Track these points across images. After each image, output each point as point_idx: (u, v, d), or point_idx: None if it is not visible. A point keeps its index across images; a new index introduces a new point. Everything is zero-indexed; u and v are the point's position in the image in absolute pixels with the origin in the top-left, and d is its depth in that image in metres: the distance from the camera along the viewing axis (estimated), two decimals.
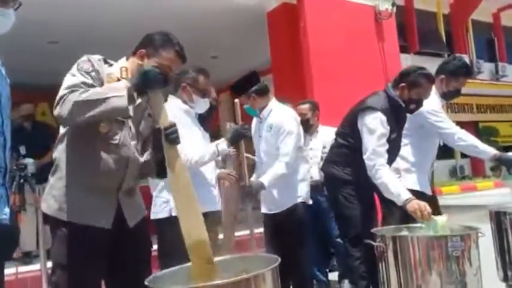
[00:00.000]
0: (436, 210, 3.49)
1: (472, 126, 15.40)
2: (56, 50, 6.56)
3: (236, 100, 2.92)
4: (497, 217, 2.70)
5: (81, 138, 1.81)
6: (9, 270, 3.83)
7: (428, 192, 3.00)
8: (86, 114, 1.63)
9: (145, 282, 1.46)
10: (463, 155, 14.16)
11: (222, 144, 2.58)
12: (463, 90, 3.26)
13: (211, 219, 2.52)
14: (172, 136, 1.70)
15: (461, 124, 3.16)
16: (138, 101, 1.89)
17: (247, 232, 2.82)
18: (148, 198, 2.60)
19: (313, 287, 3.43)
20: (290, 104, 3.52)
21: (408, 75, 2.76)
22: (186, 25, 5.66)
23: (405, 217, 2.57)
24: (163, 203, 2.53)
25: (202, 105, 2.67)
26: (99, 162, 1.80)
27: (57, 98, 1.68)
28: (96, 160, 1.80)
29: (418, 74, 2.74)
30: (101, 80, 1.79)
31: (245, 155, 2.86)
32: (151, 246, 2.05)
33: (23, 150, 4.71)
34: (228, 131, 2.69)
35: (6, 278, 2.71)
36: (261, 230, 3.31)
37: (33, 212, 4.15)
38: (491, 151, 2.93)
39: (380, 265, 2.40)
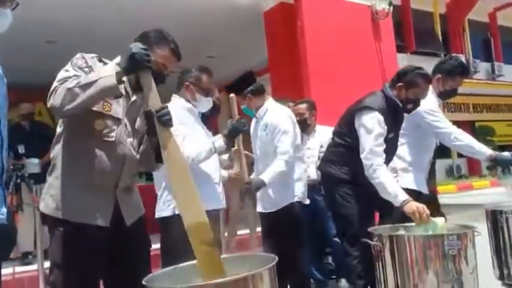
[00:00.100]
0: (437, 210, 3.52)
1: (468, 126, 15.46)
2: (53, 49, 6.54)
3: (231, 95, 2.86)
4: (493, 216, 2.72)
5: (76, 137, 1.82)
6: (6, 270, 3.83)
7: (425, 191, 3.01)
8: (77, 99, 1.63)
9: (143, 282, 1.46)
10: (460, 155, 14.22)
11: (219, 140, 2.56)
12: (460, 90, 3.27)
13: (214, 217, 2.53)
14: (164, 118, 1.69)
15: (457, 123, 3.17)
16: (133, 98, 1.90)
17: (247, 231, 2.81)
18: (153, 197, 2.61)
19: (310, 285, 3.44)
20: (291, 102, 3.51)
21: (405, 75, 2.76)
22: (183, 24, 5.67)
23: (402, 217, 2.58)
24: (167, 202, 2.54)
25: (206, 104, 2.68)
26: (94, 160, 1.80)
27: (50, 90, 1.69)
28: (91, 158, 1.80)
29: (415, 73, 2.75)
30: None
31: (244, 152, 2.85)
32: (150, 245, 2.05)
33: (21, 149, 4.70)
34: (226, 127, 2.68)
35: (3, 278, 2.71)
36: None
37: (30, 212, 4.15)
38: (487, 151, 2.94)
39: (377, 264, 2.41)
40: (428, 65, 3.38)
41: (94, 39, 5.95)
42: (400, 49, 11.08)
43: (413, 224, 2.52)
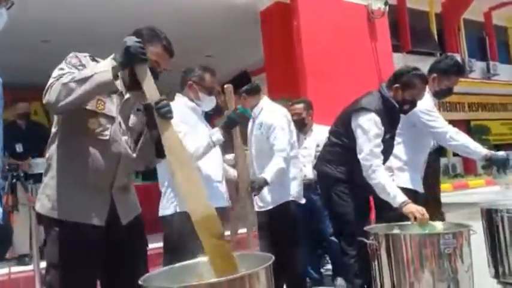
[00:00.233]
0: (438, 211, 3.53)
1: (463, 125, 15.51)
2: (48, 49, 6.52)
3: (226, 85, 2.78)
4: (489, 214, 2.72)
5: (71, 136, 1.81)
6: (2, 271, 3.82)
7: (421, 190, 3.02)
8: (72, 94, 1.62)
9: (139, 282, 1.46)
10: (455, 154, 14.27)
11: (217, 133, 2.53)
12: (455, 89, 3.28)
13: (219, 215, 2.52)
14: (163, 110, 1.68)
15: (453, 122, 3.18)
16: (126, 96, 1.89)
17: (244, 230, 2.80)
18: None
19: (306, 285, 3.44)
20: (288, 101, 3.49)
21: (402, 76, 2.76)
22: (179, 23, 5.66)
23: (398, 216, 2.59)
24: (170, 199, 2.54)
25: (209, 103, 2.67)
26: (89, 159, 1.79)
27: (46, 86, 1.68)
28: (86, 157, 1.80)
29: (412, 74, 2.75)
30: None
31: (244, 148, 2.79)
32: (147, 245, 2.04)
33: (19, 148, 4.67)
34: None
35: None
36: None
37: (26, 212, 4.13)
38: (482, 151, 2.94)
39: (373, 263, 2.42)
40: (424, 64, 3.39)
41: (89, 38, 5.93)
42: (396, 48, 11.11)
43: (409, 222, 2.53)
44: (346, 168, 2.84)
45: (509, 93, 17.74)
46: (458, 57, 4.08)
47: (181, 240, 2.28)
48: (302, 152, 3.86)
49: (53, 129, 1.87)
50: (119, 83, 1.74)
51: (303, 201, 3.24)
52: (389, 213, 2.67)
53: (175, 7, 5.88)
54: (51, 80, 1.69)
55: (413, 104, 2.80)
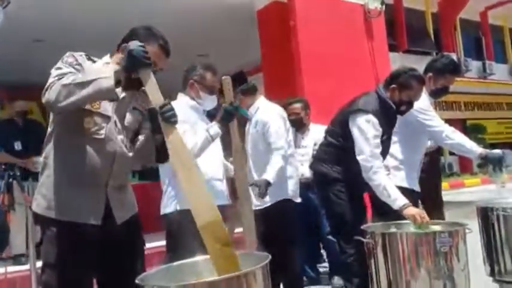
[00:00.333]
0: (439, 210, 3.54)
1: (459, 124, 15.54)
2: (42, 48, 6.50)
3: (224, 77, 2.63)
4: (484, 213, 2.73)
5: (66, 135, 1.81)
6: None
7: (417, 189, 3.03)
8: (73, 96, 1.62)
9: (136, 281, 1.46)
10: (451, 152, 14.30)
11: (214, 126, 2.49)
12: (451, 88, 3.29)
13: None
14: (167, 114, 1.67)
15: (449, 122, 3.20)
16: (122, 95, 1.89)
17: (241, 229, 2.79)
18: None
19: (303, 284, 3.45)
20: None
21: (399, 77, 2.76)
22: (176, 22, 5.65)
23: (394, 214, 2.59)
24: (170, 198, 2.55)
25: (210, 102, 2.67)
26: (84, 158, 1.79)
27: (46, 85, 1.68)
28: (81, 156, 1.79)
29: (409, 75, 2.75)
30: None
31: (241, 144, 2.73)
32: (144, 244, 2.04)
33: (18, 145, 4.65)
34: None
35: None
36: None
37: (22, 212, 4.12)
38: (478, 150, 2.95)
39: (370, 261, 2.43)
40: (420, 63, 3.41)
41: (84, 37, 5.91)
42: (393, 48, 11.14)
43: (405, 221, 2.54)
44: (342, 167, 2.84)
45: (505, 93, 17.81)
46: (454, 57, 4.09)
47: (183, 238, 2.29)
48: (300, 151, 3.87)
49: (49, 129, 1.87)
50: (119, 91, 1.73)
51: (299, 199, 3.24)
52: (386, 210, 2.68)
53: (171, 6, 5.87)
54: (51, 80, 1.69)
55: (410, 105, 2.80)
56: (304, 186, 3.50)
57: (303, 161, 3.75)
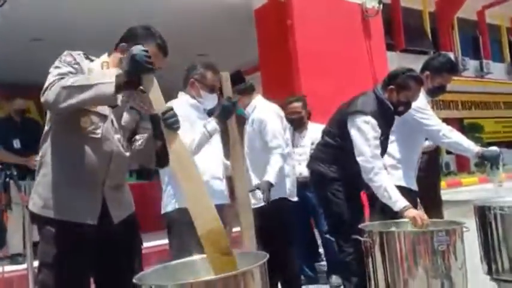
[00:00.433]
0: (438, 209, 3.54)
1: (457, 123, 15.59)
2: (40, 47, 6.48)
3: (221, 73, 2.60)
4: (482, 212, 2.74)
5: (63, 134, 1.80)
6: None
7: (415, 187, 3.03)
8: (72, 99, 1.61)
9: (134, 280, 1.46)
10: (449, 151, 14.35)
11: (211, 122, 2.45)
12: (448, 87, 3.29)
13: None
14: (170, 120, 1.65)
15: (446, 121, 3.20)
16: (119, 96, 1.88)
17: (238, 228, 2.79)
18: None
19: (301, 283, 3.45)
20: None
21: (396, 77, 2.75)
22: (174, 22, 5.64)
23: (391, 213, 2.60)
24: (169, 196, 2.54)
25: (211, 101, 2.65)
26: (80, 157, 1.78)
27: (46, 84, 1.66)
28: (78, 155, 1.79)
29: (407, 76, 2.74)
30: (83, 73, 1.79)
31: (240, 141, 2.69)
32: (142, 243, 2.04)
33: (17, 143, 4.63)
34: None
35: None
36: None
37: (19, 211, 4.11)
38: (475, 148, 2.95)
39: (367, 260, 2.43)
40: (417, 63, 3.41)
41: (83, 37, 5.90)
42: (390, 47, 11.15)
43: (403, 220, 2.55)
44: (339, 167, 2.84)
45: (502, 92, 17.87)
46: (451, 56, 4.09)
47: (184, 236, 2.28)
48: (297, 150, 3.87)
49: (46, 127, 1.86)
50: (120, 97, 1.72)
51: (296, 198, 3.23)
52: (383, 209, 2.69)
53: (169, 5, 5.86)
54: (51, 79, 1.67)
55: (408, 106, 2.80)
56: (302, 185, 3.50)
57: (301, 160, 3.75)
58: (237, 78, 3.15)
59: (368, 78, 5.86)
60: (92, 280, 1.91)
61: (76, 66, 1.77)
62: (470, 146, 2.97)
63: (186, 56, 4.35)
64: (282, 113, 3.26)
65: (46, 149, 1.84)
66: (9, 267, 3.94)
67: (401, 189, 2.70)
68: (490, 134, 18.02)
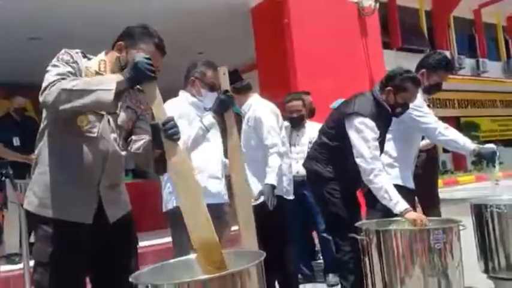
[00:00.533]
0: (436, 207, 3.54)
1: (453, 121, 15.61)
2: (38, 46, 6.46)
3: (219, 68, 2.41)
4: (478, 210, 2.75)
5: (59, 133, 1.79)
6: None
7: (411, 186, 3.03)
8: (70, 103, 1.60)
9: (130, 279, 1.45)
10: (445, 150, 14.38)
11: (208, 116, 2.41)
12: (445, 86, 3.29)
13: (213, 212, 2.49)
14: (170, 131, 1.64)
15: (443, 119, 3.19)
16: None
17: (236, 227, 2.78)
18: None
19: (298, 281, 3.45)
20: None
21: (394, 79, 2.74)
22: (171, 21, 5.64)
23: (388, 212, 2.60)
24: (169, 194, 2.54)
25: (211, 99, 2.64)
26: (76, 156, 1.78)
27: (46, 83, 1.65)
28: (74, 154, 1.78)
29: (404, 77, 2.73)
30: (80, 72, 1.78)
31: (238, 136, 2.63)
32: (138, 243, 2.03)
33: (16, 141, 4.61)
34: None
35: None
36: None
37: (15, 210, 4.09)
38: (471, 146, 2.95)
39: (364, 258, 2.43)
40: (414, 61, 3.40)
41: (81, 35, 5.88)
42: (387, 45, 11.16)
43: (399, 218, 2.55)
44: (335, 166, 2.84)
45: (498, 90, 17.91)
46: (448, 54, 4.10)
47: (185, 233, 2.27)
48: (295, 148, 3.86)
49: (41, 125, 1.85)
50: (119, 104, 1.70)
51: (292, 197, 3.23)
52: (379, 208, 2.69)
53: (166, 5, 5.85)
54: (50, 79, 1.65)
55: (405, 107, 2.80)
56: (299, 183, 3.49)
57: (298, 158, 3.75)
58: (234, 77, 3.14)
59: (365, 77, 5.87)
60: (87, 279, 1.91)
61: (74, 65, 1.76)
62: (466, 144, 2.97)
63: (182, 55, 4.34)
64: (278, 111, 3.25)
65: (42, 147, 1.83)
66: (5, 267, 3.93)
67: (397, 187, 2.70)
68: (487, 133, 18.07)
